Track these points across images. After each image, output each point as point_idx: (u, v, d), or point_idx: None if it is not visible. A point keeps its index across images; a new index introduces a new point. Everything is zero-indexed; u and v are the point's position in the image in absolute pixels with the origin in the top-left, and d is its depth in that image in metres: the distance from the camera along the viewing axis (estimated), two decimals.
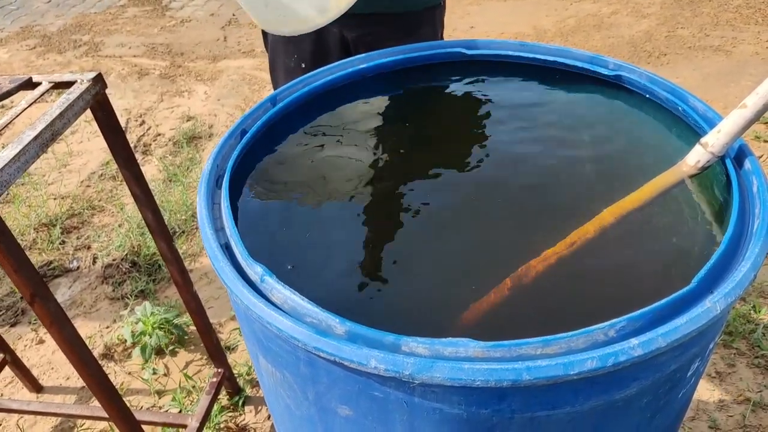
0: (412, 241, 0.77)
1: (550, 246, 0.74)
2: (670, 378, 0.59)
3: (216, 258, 0.64)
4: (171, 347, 1.71)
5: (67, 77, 1.00)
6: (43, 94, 0.97)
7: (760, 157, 2.31)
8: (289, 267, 0.71)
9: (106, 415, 1.07)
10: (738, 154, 0.76)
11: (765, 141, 2.39)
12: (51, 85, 0.99)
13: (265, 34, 1.52)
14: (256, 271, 0.62)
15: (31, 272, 0.83)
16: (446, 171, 0.89)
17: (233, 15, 3.94)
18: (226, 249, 0.67)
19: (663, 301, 0.55)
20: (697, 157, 0.75)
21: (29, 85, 1.00)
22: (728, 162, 0.74)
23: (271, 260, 0.68)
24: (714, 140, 0.73)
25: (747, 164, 0.73)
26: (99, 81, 0.98)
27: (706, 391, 1.54)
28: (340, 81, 0.98)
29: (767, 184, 0.70)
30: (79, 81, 0.97)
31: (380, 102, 1.02)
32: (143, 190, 1.18)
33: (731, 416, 1.48)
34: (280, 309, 0.59)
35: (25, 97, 0.95)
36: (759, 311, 1.68)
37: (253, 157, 0.84)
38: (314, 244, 0.76)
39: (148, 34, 3.79)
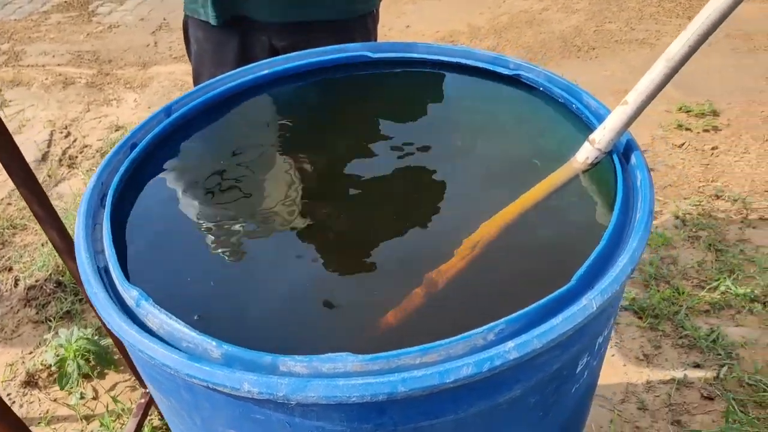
0: (313, 254, 0.75)
1: (452, 247, 0.73)
2: (557, 376, 0.59)
3: (88, 283, 0.60)
4: (98, 370, 1.63)
5: None
6: None
7: (682, 144, 2.41)
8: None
9: None
10: (626, 149, 0.77)
11: (687, 129, 2.49)
12: None
13: (188, 43, 1.46)
14: (131, 295, 0.59)
15: None
16: (348, 174, 0.87)
17: (164, 19, 3.81)
18: (105, 273, 0.63)
19: (542, 301, 0.56)
20: (586, 153, 0.76)
21: None
22: (615, 157, 0.76)
23: (156, 284, 0.65)
24: (600, 137, 0.75)
25: (633, 159, 0.75)
26: None
27: (635, 374, 1.59)
28: (240, 88, 0.95)
29: (650, 177, 0.72)
30: None
31: (283, 109, 1.00)
32: (46, 210, 1.12)
33: (658, 396, 1.53)
34: (155, 335, 0.56)
35: None
36: (682, 293, 1.76)
37: (143, 173, 0.80)
38: (207, 264, 0.73)
39: (73, 41, 3.62)
